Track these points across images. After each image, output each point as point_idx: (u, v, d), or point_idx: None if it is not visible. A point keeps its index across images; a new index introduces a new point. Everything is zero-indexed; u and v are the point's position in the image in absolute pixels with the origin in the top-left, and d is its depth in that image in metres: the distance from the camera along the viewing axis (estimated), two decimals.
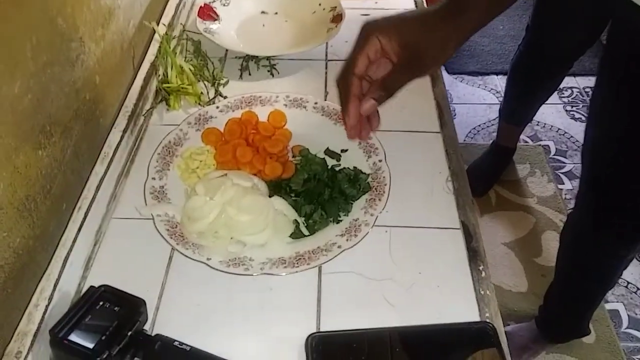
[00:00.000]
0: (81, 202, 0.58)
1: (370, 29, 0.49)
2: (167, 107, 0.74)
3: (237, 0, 0.90)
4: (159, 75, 0.76)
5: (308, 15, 0.90)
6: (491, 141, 1.74)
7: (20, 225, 0.53)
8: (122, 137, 0.66)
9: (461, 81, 2.16)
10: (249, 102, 0.72)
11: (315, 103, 0.72)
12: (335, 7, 0.88)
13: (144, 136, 0.70)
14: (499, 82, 2.12)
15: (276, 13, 0.92)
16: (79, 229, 0.55)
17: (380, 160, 0.64)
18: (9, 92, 0.52)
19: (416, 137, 0.72)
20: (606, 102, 0.83)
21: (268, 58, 0.82)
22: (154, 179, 0.61)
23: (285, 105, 0.72)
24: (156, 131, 0.70)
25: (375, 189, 0.62)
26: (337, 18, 0.86)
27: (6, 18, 0.52)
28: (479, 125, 1.97)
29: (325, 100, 0.77)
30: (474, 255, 0.59)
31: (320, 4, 0.90)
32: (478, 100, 2.08)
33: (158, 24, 0.81)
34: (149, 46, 0.81)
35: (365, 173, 0.63)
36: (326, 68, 0.83)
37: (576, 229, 1.02)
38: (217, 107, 0.70)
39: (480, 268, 0.58)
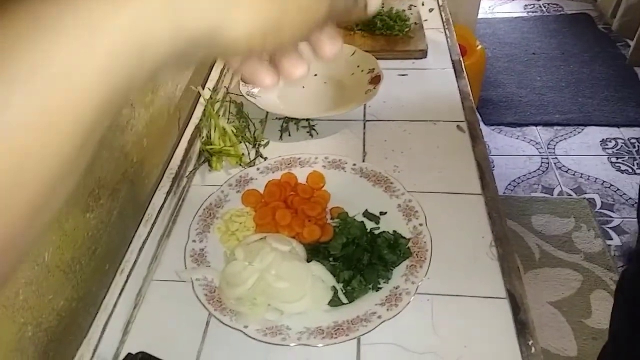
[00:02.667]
0: (124, 264, 0.59)
1: None
2: (209, 167, 0.76)
3: None
4: (203, 137, 0.79)
5: (347, 76, 0.92)
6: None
7: (65, 288, 0.54)
8: (165, 199, 0.68)
9: (499, 132, 2.13)
10: (288, 164, 0.73)
11: (354, 164, 0.72)
12: (374, 68, 0.90)
13: (186, 197, 0.72)
14: (538, 133, 2.08)
15: (315, 75, 0.95)
16: (120, 292, 0.56)
17: (420, 224, 0.63)
18: None
19: (457, 199, 0.71)
20: None
21: (307, 119, 0.84)
22: (194, 241, 0.61)
23: (324, 166, 0.73)
24: (198, 192, 0.72)
25: (416, 254, 0.60)
26: (376, 79, 0.88)
27: None
28: (519, 178, 1.92)
29: (364, 161, 0.77)
30: (522, 328, 0.56)
31: (358, 66, 0.92)
32: (517, 151, 2.04)
33: (203, 88, 0.85)
34: (194, 109, 0.85)
35: (405, 237, 0.62)
36: (364, 128, 0.84)
37: (636, 286, 0.95)
38: (258, 169, 0.72)
39: (530, 343, 0.55)
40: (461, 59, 0.99)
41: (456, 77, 0.94)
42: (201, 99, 0.85)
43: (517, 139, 2.10)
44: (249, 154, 0.79)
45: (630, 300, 0.98)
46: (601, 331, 1.40)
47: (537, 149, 2.04)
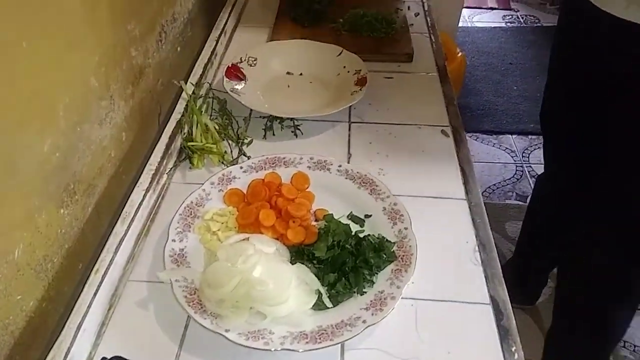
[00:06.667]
0: (99, 264, 0.56)
1: None
2: (190, 165, 0.74)
3: (263, 61, 0.92)
4: (184, 133, 0.77)
5: (333, 77, 0.91)
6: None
7: (35, 288, 0.51)
8: (144, 196, 0.65)
9: (476, 139, 2.17)
10: (272, 163, 0.71)
11: (339, 166, 0.71)
12: (360, 70, 0.89)
13: (165, 195, 0.69)
14: (514, 142, 2.13)
15: (301, 74, 0.94)
16: (95, 293, 0.53)
17: (406, 228, 0.62)
18: (39, 151, 0.52)
19: (441, 203, 0.71)
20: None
21: (292, 119, 0.83)
22: (174, 240, 0.59)
23: (309, 167, 0.71)
24: (178, 190, 0.70)
25: (402, 258, 0.59)
26: (362, 81, 0.87)
27: (43, 78, 0.53)
28: (494, 185, 1.95)
29: (348, 162, 0.76)
30: (505, 334, 0.56)
31: (344, 67, 0.92)
32: (493, 159, 2.07)
33: (186, 83, 0.83)
34: (175, 104, 0.82)
35: (390, 241, 0.61)
36: (349, 130, 0.83)
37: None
38: (241, 168, 0.70)
39: (513, 349, 0.55)
40: (445, 64, 0.99)
41: (441, 82, 0.94)
42: (183, 94, 0.82)
43: (493, 146, 2.14)
44: (231, 152, 0.77)
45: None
46: None
47: (512, 157, 2.08)
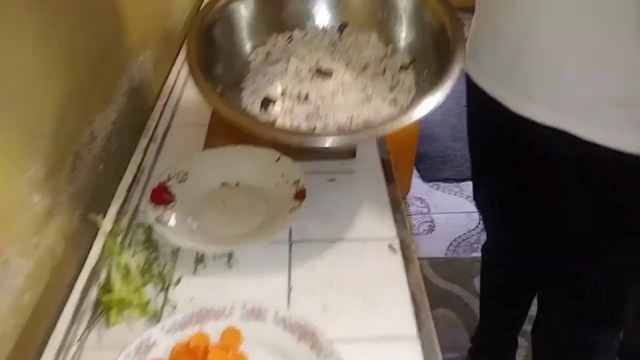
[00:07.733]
0: None
1: None
2: (107, 323, 0.65)
3: (195, 174, 0.85)
4: (100, 282, 0.68)
5: (271, 187, 0.85)
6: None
7: None
8: None
9: (437, 189, 2.14)
10: (199, 317, 0.63)
11: (276, 314, 0.64)
12: (298, 180, 0.83)
13: None
14: None
15: (237, 184, 0.87)
16: None
17: None
18: None
19: (390, 347, 0.64)
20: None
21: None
22: None
23: (242, 317, 0.64)
24: None
25: None
26: (300, 194, 0.81)
27: None
28: (459, 237, 1.92)
29: (289, 298, 0.69)
30: None
31: (283, 175, 0.85)
32: (456, 208, 2.05)
33: (105, 216, 0.75)
34: (92, 244, 0.74)
35: None
36: (290, 252, 0.77)
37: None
38: (163, 328, 0.62)
39: None
40: (390, 158, 0.94)
41: (387, 182, 0.89)
42: (101, 230, 0.74)
43: (454, 195, 2.12)
44: (156, 297, 0.69)
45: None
46: None
47: (475, 204, 2.06)
